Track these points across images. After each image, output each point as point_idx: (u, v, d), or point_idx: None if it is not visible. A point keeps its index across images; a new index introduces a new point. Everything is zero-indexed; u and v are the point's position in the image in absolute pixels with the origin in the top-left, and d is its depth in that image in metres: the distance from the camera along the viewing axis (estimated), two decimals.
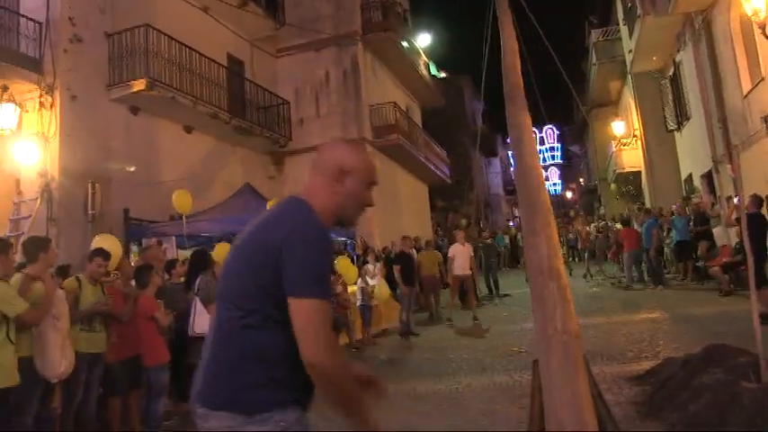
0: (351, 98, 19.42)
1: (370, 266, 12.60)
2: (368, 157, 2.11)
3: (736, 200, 9.97)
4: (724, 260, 12.43)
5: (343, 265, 11.05)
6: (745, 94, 12.97)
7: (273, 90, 18.88)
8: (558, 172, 56.84)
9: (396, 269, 12.46)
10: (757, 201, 9.59)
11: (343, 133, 18.88)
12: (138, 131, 13.49)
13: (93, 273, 5.89)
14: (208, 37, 16.15)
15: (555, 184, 56.63)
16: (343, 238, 13.98)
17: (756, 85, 12.27)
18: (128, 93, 12.79)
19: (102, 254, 5.99)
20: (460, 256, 13.23)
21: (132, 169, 12.92)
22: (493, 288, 16.25)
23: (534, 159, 4.28)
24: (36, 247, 5.26)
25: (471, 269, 13.36)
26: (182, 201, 11.21)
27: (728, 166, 14.74)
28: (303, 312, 1.77)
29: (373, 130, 19.83)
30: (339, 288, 10.50)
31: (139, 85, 12.66)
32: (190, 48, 14.33)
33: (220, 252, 8.12)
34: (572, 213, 34.09)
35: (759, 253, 8.29)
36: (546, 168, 56.63)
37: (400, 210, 21.75)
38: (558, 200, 57.91)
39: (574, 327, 2.78)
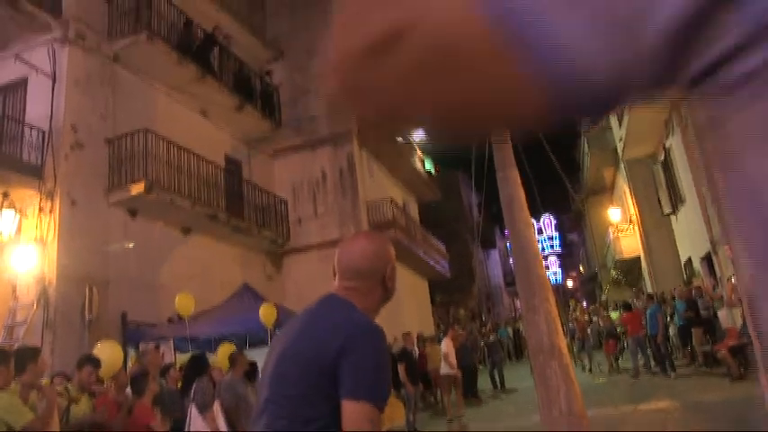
0: (347, 196, 19.64)
1: None
2: (393, 252, 2.12)
3: (733, 279, 9.95)
4: (731, 343, 12.25)
5: None
6: None
7: (271, 189, 19.12)
8: (558, 261, 56.81)
9: (400, 368, 12.13)
10: None
11: (340, 231, 18.98)
12: (137, 234, 13.55)
13: (83, 381, 5.72)
14: (206, 139, 16.49)
15: (555, 273, 56.46)
16: None
17: None
18: (126, 196, 12.95)
19: (92, 361, 5.85)
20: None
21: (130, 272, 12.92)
22: (498, 383, 15.91)
23: (530, 231, 4.33)
24: (25, 357, 5.16)
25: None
26: (184, 303, 11.17)
27: (726, 246, 14.79)
28: (355, 414, 1.71)
29: (371, 226, 19.93)
30: None
31: (138, 188, 12.82)
32: (188, 150, 14.61)
33: (223, 353, 8.00)
34: (572, 302, 33.82)
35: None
36: (545, 258, 56.68)
37: (400, 306, 21.55)
38: (559, 289, 57.64)
39: (580, 408, 2.70)
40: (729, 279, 13.88)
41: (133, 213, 13.48)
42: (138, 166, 13.14)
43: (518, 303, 58.90)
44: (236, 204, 17.02)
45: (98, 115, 13.26)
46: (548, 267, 56.28)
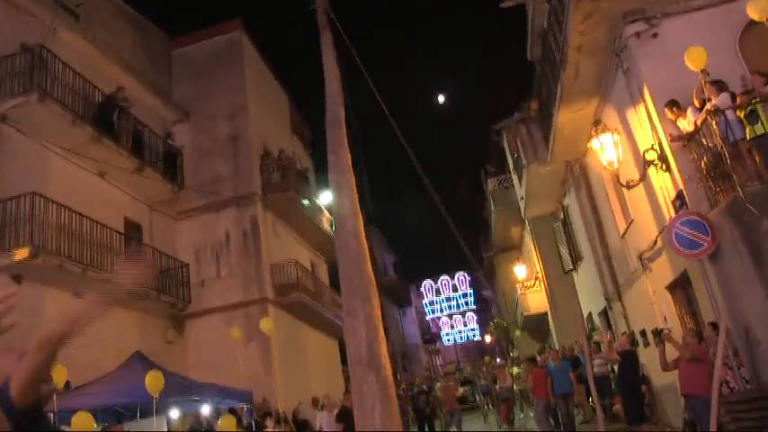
0: (251, 258, 19.46)
1: None
2: None
3: (608, 335, 10.32)
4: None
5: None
6: (621, 233, 13.71)
7: (173, 251, 18.73)
8: (476, 317, 57.49)
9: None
10: (630, 338, 9.93)
11: (244, 294, 18.79)
12: (22, 300, 12.91)
13: None
14: (104, 201, 16.09)
15: (473, 330, 57.14)
16: (239, 402, 13.45)
17: (629, 226, 13.02)
18: (9, 262, 12.39)
19: None
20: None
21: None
22: None
23: (357, 222, 4.25)
24: None
25: None
26: (57, 374, 10.62)
27: (618, 303, 15.32)
28: None
29: (275, 288, 19.73)
30: None
31: (22, 253, 12.31)
32: (80, 214, 14.18)
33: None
34: (487, 359, 34.10)
35: (635, 389, 8.46)
36: (463, 314, 57.31)
37: (306, 368, 21.27)
38: (477, 345, 58.13)
39: (396, 430, 2.62)
40: (624, 334, 14.29)
41: (18, 279, 12.88)
42: (23, 230, 12.63)
43: (437, 360, 58.99)
44: None
45: None
46: (466, 324, 56.93)
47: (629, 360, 11.22)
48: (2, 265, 12.46)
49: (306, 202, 22.71)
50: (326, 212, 25.96)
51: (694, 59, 8.57)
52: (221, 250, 19.63)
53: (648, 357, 12.42)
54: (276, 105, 25.68)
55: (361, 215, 5.47)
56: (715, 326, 8.27)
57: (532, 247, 26.23)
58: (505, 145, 24.02)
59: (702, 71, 8.58)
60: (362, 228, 5.29)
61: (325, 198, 26.98)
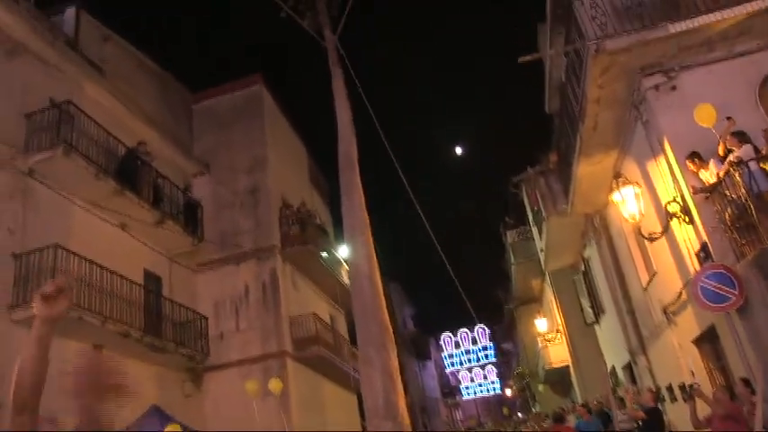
0: (270, 311, 19.38)
1: None
2: None
3: (632, 390, 10.09)
4: None
5: None
6: (644, 286, 13.52)
7: (192, 304, 18.71)
8: (496, 371, 56.55)
9: None
10: (655, 395, 9.71)
11: (263, 348, 18.66)
12: None
13: None
14: (125, 254, 16.18)
15: (493, 383, 56.13)
16: None
17: (652, 278, 12.84)
18: (31, 314, 12.36)
19: None
20: None
21: None
22: None
23: (372, 264, 4.07)
24: None
25: None
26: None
27: (643, 357, 15.02)
28: None
29: (294, 342, 19.60)
30: None
31: None
32: (101, 266, 14.26)
33: None
34: (505, 411, 33.43)
35: None
36: (483, 367, 56.39)
37: (325, 422, 20.93)
38: (497, 398, 57.06)
39: None
40: (649, 390, 13.97)
41: None
42: (45, 282, 12.66)
43: (457, 414, 57.94)
44: (154, 321, 16.53)
45: (5, 229, 12.90)
46: (486, 377, 56.00)
47: (654, 418, 10.93)
48: (22, 318, 12.46)
49: (325, 254, 22.70)
50: (345, 265, 25.94)
51: (703, 117, 8.57)
52: (240, 303, 19.59)
53: (676, 413, 12.10)
54: (295, 158, 25.95)
55: (375, 259, 5.32)
56: (747, 382, 8.04)
57: (553, 299, 25.94)
58: (524, 197, 23.99)
59: (729, 118, 8.57)
60: (377, 272, 5.12)
61: (344, 251, 27.02)
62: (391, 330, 4.21)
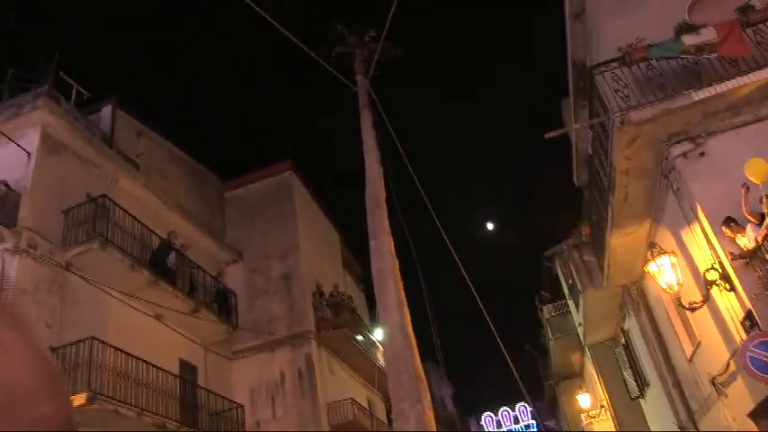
0: (306, 398, 19.09)
1: None
2: None
3: None
4: None
5: None
6: (689, 357, 13.10)
7: (228, 392, 18.55)
8: None
9: None
10: None
11: None
12: None
13: None
14: (160, 344, 16.23)
15: None
16: None
17: (696, 349, 12.44)
18: None
19: None
20: None
21: None
22: None
23: (403, 312, 3.86)
24: None
25: None
26: None
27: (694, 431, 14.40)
28: None
29: (332, 428, 19.21)
30: None
31: (80, 399, 12.30)
32: (137, 357, 14.27)
33: None
34: None
35: None
36: None
37: None
38: None
39: None
40: None
41: (75, 425, 12.79)
42: (81, 376, 12.72)
43: None
44: (190, 411, 16.37)
45: (43, 323, 13.03)
46: None
47: None
48: None
49: (360, 337, 22.50)
50: (381, 347, 25.63)
51: (755, 172, 8.44)
52: (276, 390, 19.36)
53: None
54: (327, 242, 26.13)
55: (407, 307, 5.13)
56: None
57: (595, 373, 25.22)
58: (559, 271, 23.72)
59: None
60: (409, 321, 4.92)
61: (380, 333, 26.73)
62: (426, 382, 3.99)
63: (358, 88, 9.02)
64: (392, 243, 5.31)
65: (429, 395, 3.99)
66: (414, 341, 4.51)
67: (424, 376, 3.98)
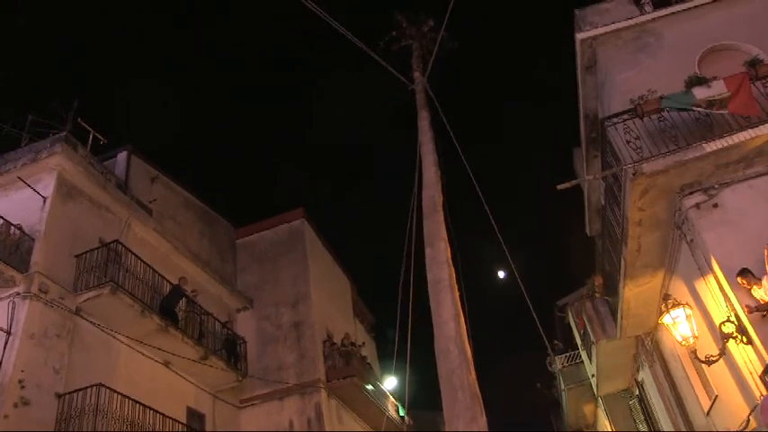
0: None
1: None
2: None
3: None
4: None
5: None
6: (706, 411, 12.81)
7: None
8: None
9: None
10: None
11: None
12: None
13: None
14: (168, 390, 16.18)
15: None
16: None
17: (713, 403, 12.17)
18: None
19: None
20: None
21: None
22: None
23: (460, 324, 3.71)
24: None
25: None
26: None
27: None
28: None
29: None
30: None
31: None
32: (144, 405, 14.14)
33: None
34: None
35: None
36: None
37: None
38: None
39: None
40: None
41: None
42: (87, 423, 12.59)
43: None
44: None
45: (51, 369, 12.97)
46: None
47: None
48: None
49: (370, 387, 22.21)
50: (391, 398, 25.29)
51: None
52: None
53: None
54: (338, 290, 26.05)
55: (463, 318, 4.86)
56: None
57: (608, 425, 24.72)
58: (571, 321, 23.45)
59: None
60: (465, 334, 4.65)
61: (390, 383, 26.38)
62: (481, 400, 3.77)
63: (415, 86, 8.92)
64: (449, 251, 5.16)
65: (484, 414, 3.83)
66: (470, 356, 4.33)
67: (479, 393, 3.81)
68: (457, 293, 5.00)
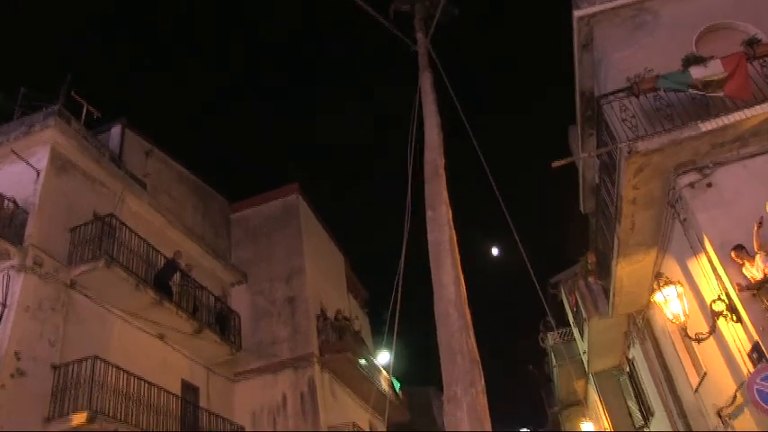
0: (308, 421, 18.91)
1: None
2: None
3: None
4: None
5: None
6: (695, 388, 12.98)
7: (230, 414, 18.44)
8: None
9: None
10: None
11: None
12: None
13: None
14: (162, 364, 16.27)
15: None
16: None
17: (702, 380, 12.33)
18: (66, 427, 12.32)
19: None
20: None
21: None
22: None
23: (459, 288, 3.66)
24: None
25: None
26: None
27: None
28: None
29: None
30: None
31: (79, 418, 12.25)
32: (139, 378, 14.23)
33: None
34: None
35: None
36: None
37: None
38: None
39: None
40: None
41: None
42: (82, 394, 12.68)
43: None
44: None
45: (46, 341, 13.03)
46: None
47: None
48: (59, 430, 12.40)
49: (363, 361, 22.37)
50: (384, 372, 25.47)
51: None
52: (278, 413, 19.20)
53: None
54: (332, 265, 26.11)
55: (463, 283, 4.81)
56: None
57: (598, 401, 25.01)
58: (564, 298, 23.62)
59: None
60: (465, 298, 4.59)
61: (383, 357, 26.55)
62: (480, 365, 3.74)
63: (418, 47, 8.89)
64: (450, 214, 5.11)
65: (483, 379, 3.81)
66: (470, 320, 4.31)
67: (479, 358, 3.79)
68: (458, 257, 4.96)
